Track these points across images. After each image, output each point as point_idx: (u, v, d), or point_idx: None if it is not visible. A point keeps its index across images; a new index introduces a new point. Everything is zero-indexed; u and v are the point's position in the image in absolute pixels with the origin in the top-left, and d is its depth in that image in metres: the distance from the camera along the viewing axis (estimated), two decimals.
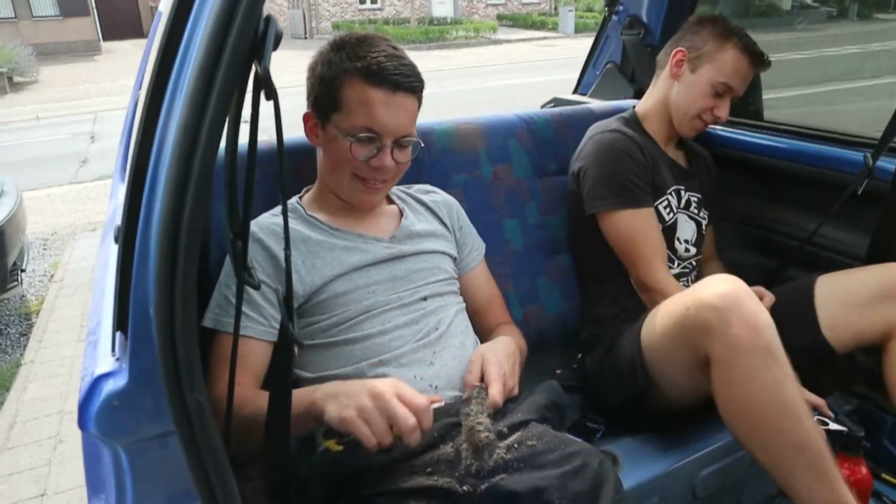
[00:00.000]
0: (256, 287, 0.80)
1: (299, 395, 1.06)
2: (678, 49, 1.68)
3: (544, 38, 22.81)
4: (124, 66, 17.56)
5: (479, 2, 28.65)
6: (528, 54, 17.89)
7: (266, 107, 0.76)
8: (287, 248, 0.85)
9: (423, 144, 1.33)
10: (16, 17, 21.52)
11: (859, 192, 1.63)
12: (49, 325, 3.56)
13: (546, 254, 1.83)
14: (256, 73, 0.72)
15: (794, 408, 1.15)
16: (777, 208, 2.00)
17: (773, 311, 1.61)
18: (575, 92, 2.44)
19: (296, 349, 1.26)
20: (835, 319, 1.52)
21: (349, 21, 25.72)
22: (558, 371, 1.76)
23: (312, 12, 26.00)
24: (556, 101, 2.36)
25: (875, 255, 1.65)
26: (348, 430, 0.99)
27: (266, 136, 1.57)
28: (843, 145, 1.81)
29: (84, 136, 9.21)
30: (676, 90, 1.68)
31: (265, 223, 1.28)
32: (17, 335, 3.56)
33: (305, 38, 25.30)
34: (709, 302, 1.18)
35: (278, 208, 1.34)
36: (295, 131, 1.39)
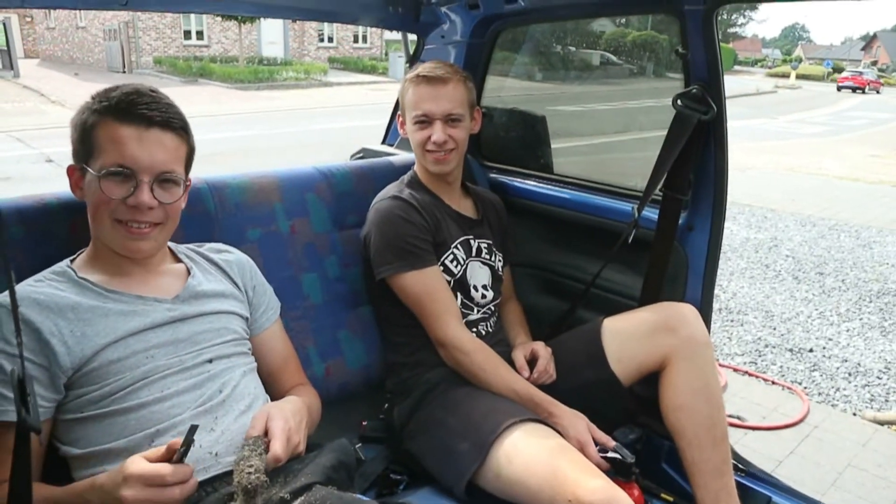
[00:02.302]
0: None
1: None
2: (397, 115, 1.85)
3: (375, 82, 23.30)
4: None
5: (309, 44, 28.71)
6: (359, 98, 18.14)
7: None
8: (17, 326, 0.78)
9: (189, 182, 1.28)
10: None
11: (629, 241, 1.80)
12: None
13: (347, 306, 1.82)
14: None
15: None
16: (565, 254, 2.16)
17: (567, 353, 1.75)
18: (383, 143, 2.49)
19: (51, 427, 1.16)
20: (621, 352, 1.67)
21: (172, 56, 24.62)
22: (365, 423, 1.75)
23: (132, 45, 24.60)
24: (365, 152, 2.39)
25: (647, 296, 1.82)
26: None
27: (39, 181, 1.45)
28: (616, 196, 1.99)
29: None
30: (411, 143, 1.81)
31: (25, 293, 1.16)
32: None
33: (124, 71, 23.82)
34: (588, 502, 1.23)
35: (41, 274, 1.24)
36: None
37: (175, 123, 1.22)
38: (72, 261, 1.28)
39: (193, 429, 0.99)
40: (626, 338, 1.68)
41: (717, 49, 1.59)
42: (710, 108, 1.62)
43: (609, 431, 1.57)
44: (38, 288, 1.18)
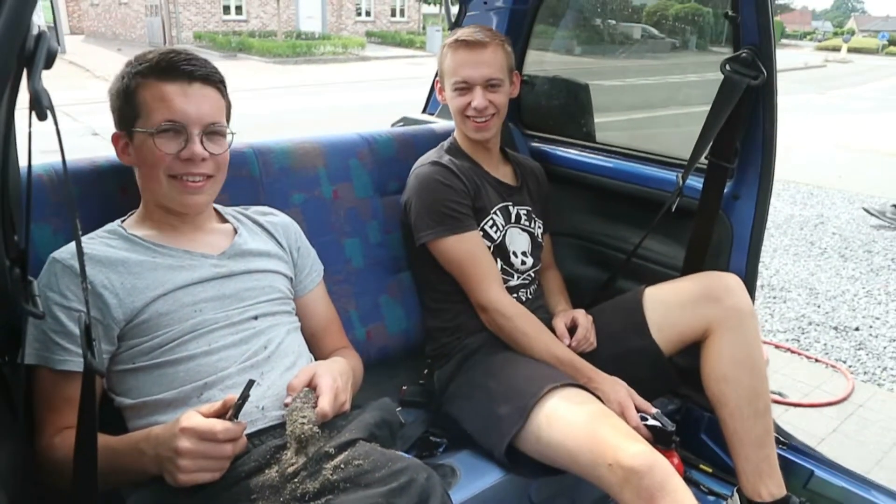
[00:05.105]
0: (40, 316, 0.76)
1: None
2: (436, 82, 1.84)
3: (413, 56, 23.15)
4: None
5: (347, 18, 28.63)
6: (396, 72, 18.06)
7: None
8: (82, 273, 0.81)
9: (234, 133, 1.31)
10: None
11: (673, 209, 1.78)
12: None
13: (388, 272, 1.84)
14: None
15: None
16: (607, 223, 2.14)
17: (608, 321, 1.74)
18: (423, 112, 2.49)
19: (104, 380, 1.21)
20: (663, 321, 1.66)
21: (212, 31, 24.82)
22: (404, 387, 1.78)
23: (172, 20, 24.87)
24: (406, 121, 2.40)
25: (690, 266, 1.80)
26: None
27: (86, 153, 1.50)
28: (659, 165, 1.96)
29: None
30: (451, 110, 1.77)
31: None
32: None
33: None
34: (629, 466, 1.21)
35: (93, 233, 1.28)
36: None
37: (214, 77, 1.26)
38: (122, 220, 1.32)
39: (250, 384, 1.02)
40: (669, 307, 1.67)
41: (769, 10, 1.54)
42: (760, 73, 1.58)
43: (648, 401, 1.56)
44: (90, 244, 1.23)
